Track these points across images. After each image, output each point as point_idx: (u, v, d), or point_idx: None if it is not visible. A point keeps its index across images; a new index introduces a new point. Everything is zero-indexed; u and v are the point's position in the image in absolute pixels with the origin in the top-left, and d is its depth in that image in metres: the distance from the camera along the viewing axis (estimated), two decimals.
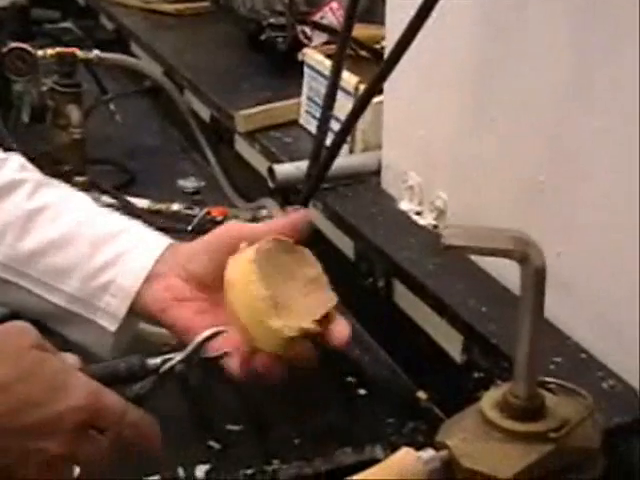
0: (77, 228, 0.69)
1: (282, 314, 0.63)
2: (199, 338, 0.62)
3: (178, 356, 0.61)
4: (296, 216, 0.69)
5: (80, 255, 0.68)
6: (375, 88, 0.76)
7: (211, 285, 0.67)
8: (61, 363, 0.57)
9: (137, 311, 0.68)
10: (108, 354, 0.69)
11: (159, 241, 0.70)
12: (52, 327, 0.70)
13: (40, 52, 1.08)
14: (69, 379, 0.55)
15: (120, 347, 0.70)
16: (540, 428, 0.47)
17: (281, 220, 0.71)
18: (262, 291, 0.63)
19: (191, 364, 0.61)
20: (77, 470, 0.57)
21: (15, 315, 0.71)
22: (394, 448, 0.70)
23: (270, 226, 0.68)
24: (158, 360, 0.61)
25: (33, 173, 0.75)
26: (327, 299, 0.66)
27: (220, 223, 1.02)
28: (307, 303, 0.65)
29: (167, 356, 0.61)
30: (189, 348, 0.62)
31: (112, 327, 0.68)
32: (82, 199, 0.74)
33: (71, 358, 0.59)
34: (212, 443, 0.69)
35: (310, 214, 0.70)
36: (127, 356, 0.62)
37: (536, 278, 0.46)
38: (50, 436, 0.54)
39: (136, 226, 0.72)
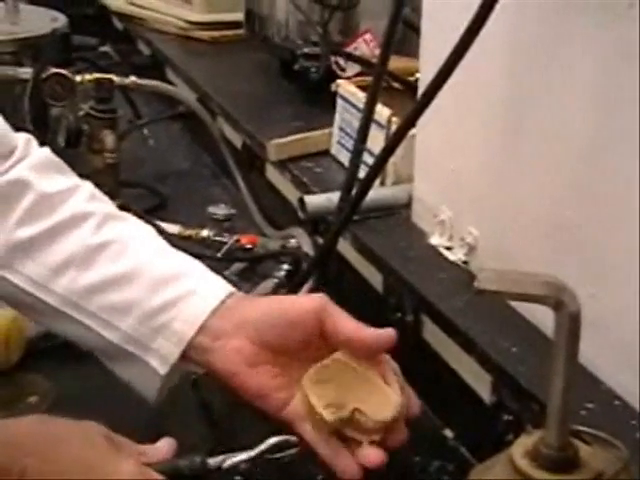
0: (139, 267, 0.69)
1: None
2: (268, 442, 0.63)
3: (242, 455, 0.62)
4: (384, 338, 0.65)
5: (139, 295, 0.68)
6: (410, 124, 0.75)
7: (281, 351, 0.66)
8: (132, 466, 0.57)
9: (194, 360, 0.67)
10: (153, 395, 0.69)
11: (218, 289, 0.69)
12: (102, 362, 0.70)
13: (78, 78, 1.09)
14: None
15: (165, 389, 0.69)
16: None
17: (369, 332, 0.66)
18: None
19: (255, 464, 0.63)
20: None
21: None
22: None
23: (356, 330, 0.65)
24: (219, 459, 0.61)
25: (102, 204, 0.74)
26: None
27: (250, 250, 1.02)
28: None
29: (230, 455, 0.61)
30: (255, 450, 0.62)
31: (162, 370, 0.67)
32: (148, 235, 0.74)
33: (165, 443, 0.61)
34: None
35: (393, 337, 0.65)
36: (188, 455, 0.62)
37: (571, 325, 0.45)
38: None
39: (198, 269, 0.71)
